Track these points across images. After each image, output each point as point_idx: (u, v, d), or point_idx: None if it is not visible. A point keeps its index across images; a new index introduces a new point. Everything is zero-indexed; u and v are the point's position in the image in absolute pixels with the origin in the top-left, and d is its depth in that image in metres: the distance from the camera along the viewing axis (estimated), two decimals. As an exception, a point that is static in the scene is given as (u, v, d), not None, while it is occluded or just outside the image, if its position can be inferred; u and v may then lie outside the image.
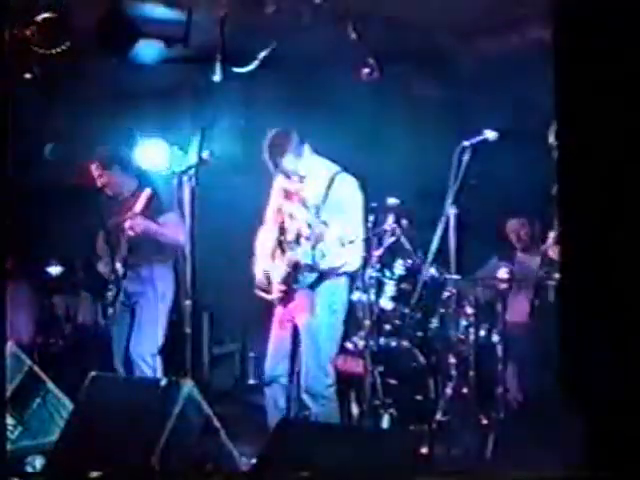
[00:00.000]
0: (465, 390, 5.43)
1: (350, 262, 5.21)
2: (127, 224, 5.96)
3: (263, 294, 5.43)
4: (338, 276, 5.24)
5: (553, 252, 5.83)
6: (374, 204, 6.00)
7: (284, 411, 5.29)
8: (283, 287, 5.24)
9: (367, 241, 5.90)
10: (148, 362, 6.03)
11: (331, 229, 5.01)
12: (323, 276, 5.20)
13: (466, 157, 5.22)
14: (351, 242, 5.09)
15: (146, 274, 6.13)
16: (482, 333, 5.81)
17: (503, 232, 6.83)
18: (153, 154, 6.77)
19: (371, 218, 5.96)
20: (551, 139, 5.04)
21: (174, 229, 5.93)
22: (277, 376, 5.33)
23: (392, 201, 6.01)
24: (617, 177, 3.47)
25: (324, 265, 5.14)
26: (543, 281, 6.06)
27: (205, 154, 5.23)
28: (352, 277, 5.32)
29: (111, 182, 6.31)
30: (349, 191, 5.26)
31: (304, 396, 5.17)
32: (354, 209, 5.22)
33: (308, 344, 5.19)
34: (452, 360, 5.56)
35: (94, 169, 6.34)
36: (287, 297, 5.27)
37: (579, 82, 3.53)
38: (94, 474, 4.35)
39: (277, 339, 5.37)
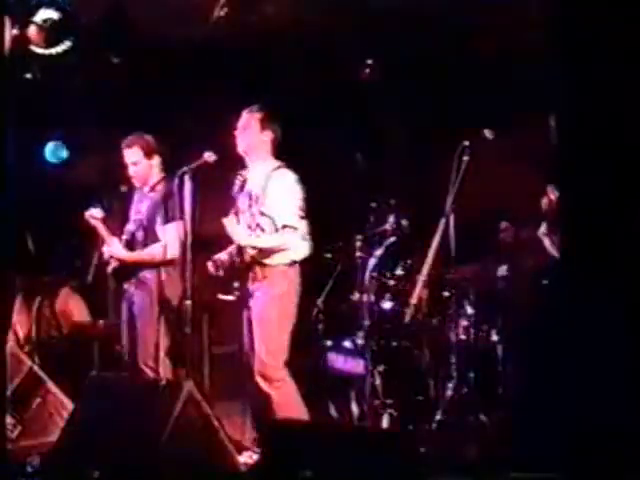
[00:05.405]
0: (465, 390, 5.43)
1: (294, 249, 5.21)
2: None
3: (224, 296, 5.44)
4: (286, 266, 5.22)
5: (549, 251, 5.82)
6: (374, 204, 6.01)
7: None
8: (237, 284, 5.26)
9: (367, 241, 5.92)
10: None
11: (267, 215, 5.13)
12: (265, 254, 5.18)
13: (466, 157, 5.22)
14: (285, 227, 5.11)
15: None
16: (482, 333, 5.81)
17: (499, 233, 6.82)
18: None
19: (371, 218, 5.99)
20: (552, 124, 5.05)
21: None
22: None
23: (392, 201, 6.03)
24: (617, 175, 3.47)
25: (259, 243, 5.13)
26: (539, 281, 6.05)
27: (207, 154, 5.22)
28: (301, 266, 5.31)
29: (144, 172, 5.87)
30: (287, 184, 5.28)
31: (258, 379, 5.15)
32: (290, 200, 5.24)
33: (257, 330, 5.18)
34: (452, 360, 5.55)
35: (132, 154, 5.82)
36: (244, 295, 5.27)
37: (578, 82, 3.53)
38: (94, 474, 4.35)
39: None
